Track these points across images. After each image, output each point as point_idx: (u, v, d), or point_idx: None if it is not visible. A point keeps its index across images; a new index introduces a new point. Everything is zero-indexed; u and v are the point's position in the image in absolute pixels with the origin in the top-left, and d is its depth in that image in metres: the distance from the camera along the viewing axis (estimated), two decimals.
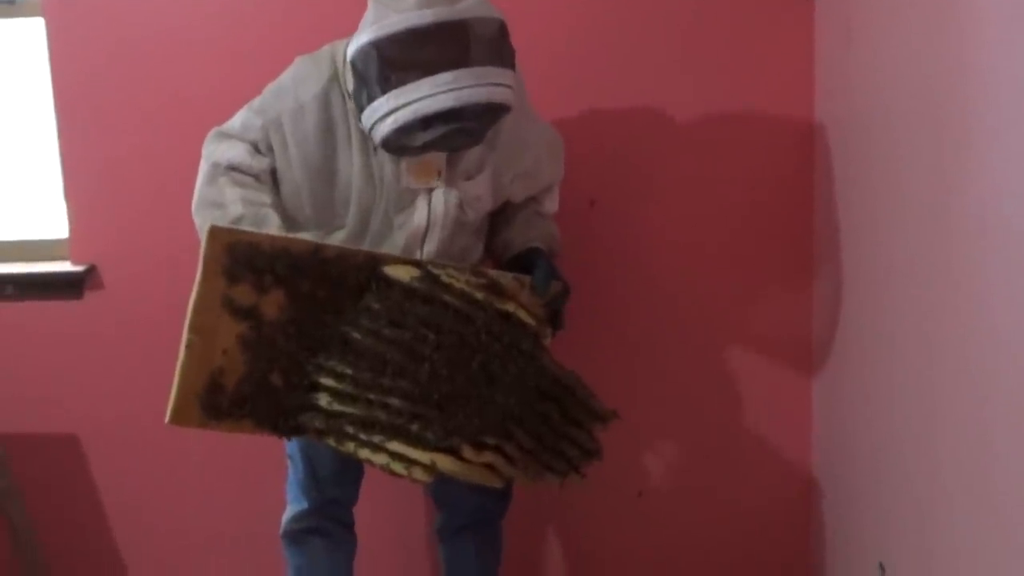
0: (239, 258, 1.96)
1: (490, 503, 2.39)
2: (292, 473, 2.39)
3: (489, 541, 2.54)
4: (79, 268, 2.76)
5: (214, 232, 1.97)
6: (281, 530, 2.44)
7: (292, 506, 2.41)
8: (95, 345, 2.78)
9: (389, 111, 1.93)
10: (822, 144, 2.52)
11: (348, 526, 2.47)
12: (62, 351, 2.82)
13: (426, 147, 2.02)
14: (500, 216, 2.34)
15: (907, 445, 1.91)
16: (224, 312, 1.96)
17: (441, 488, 2.39)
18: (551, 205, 2.38)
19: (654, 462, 2.80)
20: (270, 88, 2.17)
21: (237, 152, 2.13)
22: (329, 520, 2.42)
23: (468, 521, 2.49)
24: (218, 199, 2.11)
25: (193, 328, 1.95)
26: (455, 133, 2.00)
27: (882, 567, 2.05)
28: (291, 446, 2.34)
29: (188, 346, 1.94)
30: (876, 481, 2.14)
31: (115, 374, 2.78)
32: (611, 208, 2.67)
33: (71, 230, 2.77)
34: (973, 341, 1.55)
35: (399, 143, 2.00)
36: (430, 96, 1.91)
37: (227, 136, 2.16)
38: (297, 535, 2.42)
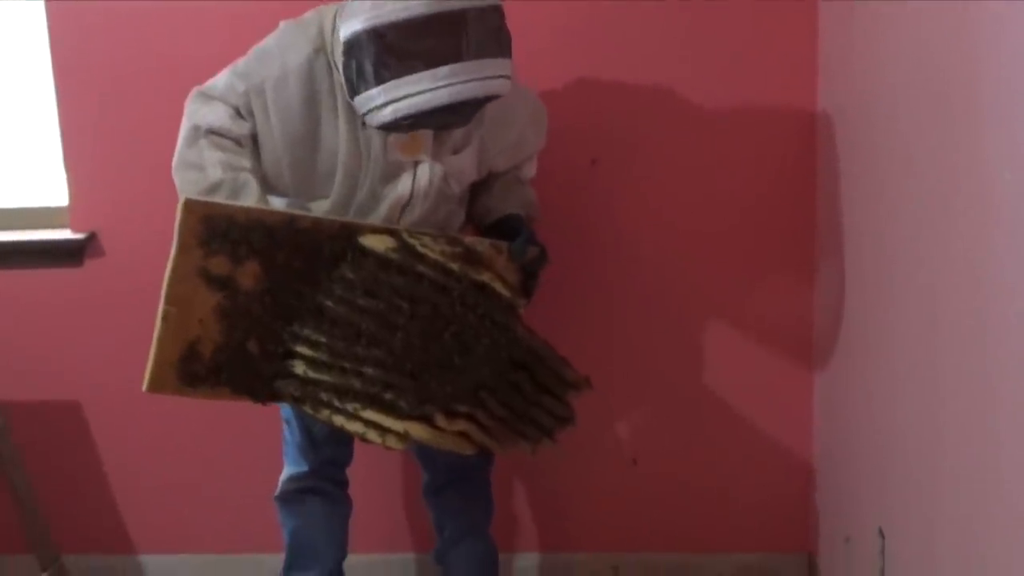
0: (215, 230, 1.97)
1: (471, 459, 2.39)
2: (288, 436, 2.41)
3: (475, 497, 2.58)
4: (79, 236, 2.76)
5: (189, 204, 1.98)
6: (276, 492, 2.46)
7: (290, 468, 2.43)
8: (95, 313, 2.79)
9: (385, 103, 1.92)
10: (825, 132, 2.51)
11: (343, 486, 2.50)
12: (62, 319, 2.83)
13: (418, 128, 2.03)
14: (480, 183, 2.34)
15: (908, 411, 1.92)
16: (200, 283, 1.98)
17: (422, 449, 2.41)
18: (529, 171, 2.40)
19: (649, 430, 2.81)
20: (254, 52, 2.15)
21: (218, 115, 2.11)
22: (325, 480, 2.45)
23: (451, 478, 2.53)
24: (198, 161, 2.09)
25: (169, 299, 1.97)
26: (449, 116, 1.99)
27: (881, 533, 2.06)
28: (285, 410, 2.35)
29: (164, 317, 1.97)
30: (876, 448, 2.15)
31: (115, 341, 2.78)
32: (612, 169, 2.67)
33: (71, 198, 2.77)
34: (978, 325, 1.55)
35: (390, 127, 1.99)
36: (428, 91, 1.90)
37: (209, 98, 2.14)
38: (293, 495, 2.44)
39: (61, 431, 2.92)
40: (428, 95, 1.90)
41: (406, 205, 2.16)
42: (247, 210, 2.01)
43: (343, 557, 2.54)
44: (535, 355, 2.17)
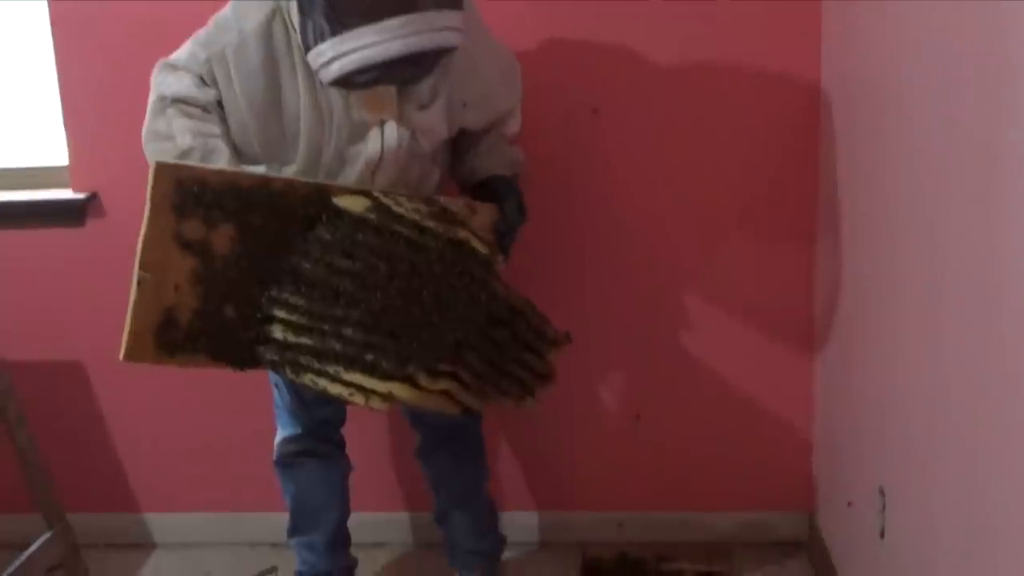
0: (187, 194, 1.94)
1: (460, 418, 2.40)
2: (279, 399, 2.42)
3: (467, 457, 2.59)
4: (80, 196, 2.75)
5: (161, 168, 1.95)
6: (274, 456, 2.47)
7: (283, 431, 2.45)
8: (97, 273, 2.78)
9: (334, 57, 1.89)
10: (827, 105, 2.50)
11: (339, 446, 2.51)
12: (64, 279, 2.83)
13: (374, 83, 1.99)
14: (464, 143, 2.32)
15: (908, 370, 1.92)
16: (174, 248, 1.95)
17: (411, 410, 2.43)
18: (514, 126, 2.36)
19: (652, 386, 2.82)
20: (214, 20, 2.13)
21: (184, 84, 2.09)
22: (321, 442, 2.46)
23: (442, 437, 2.54)
24: (166, 131, 2.08)
25: (143, 265, 1.95)
26: (403, 70, 1.96)
27: (882, 492, 2.07)
28: (275, 376, 2.35)
29: (139, 283, 1.94)
30: (877, 407, 2.16)
31: (117, 301, 2.75)
32: (614, 118, 2.66)
33: (71, 158, 2.76)
34: (980, 290, 1.55)
35: (346, 83, 1.97)
36: (377, 44, 1.86)
37: (174, 68, 2.12)
38: (290, 459, 2.46)
39: (64, 390, 2.93)
40: (375, 48, 1.87)
41: (377, 166, 2.13)
42: (219, 172, 1.99)
43: (346, 516, 2.57)
44: (515, 311, 2.15)
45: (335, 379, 1.98)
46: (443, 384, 2.04)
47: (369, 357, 1.97)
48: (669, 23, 2.59)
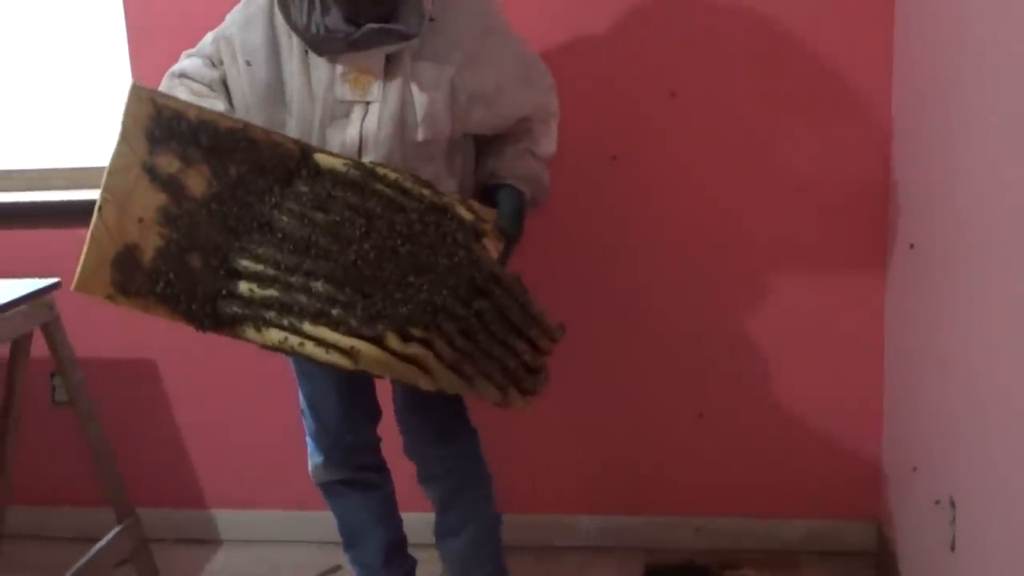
0: (161, 122, 1.90)
1: (453, 453, 2.37)
2: (306, 427, 2.41)
3: (463, 485, 2.42)
4: None
5: (137, 91, 1.90)
6: (313, 481, 2.46)
7: (311, 458, 2.42)
8: None
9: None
10: (901, 107, 2.46)
11: (377, 468, 2.46)
12: None
13: (353, 45, 1.99)
14: (489, 148, 2.24)
15: (982, 380, 1.89)
16: (143, 177, 1.89)
17: (408, 441, 2.38)
18: (546, 145, 2.25)
19: (715, 383, 2.79)
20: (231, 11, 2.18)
21: (192, 63, 2.14)
22: (355, 469, 2.42)
23: (433, 473, 2.42)
24: None
25: (107, 189, 1.88)
26: (378, 32, 1.97)
27: (952, 503, 2.03)
28: (302, 400, 2.37)
29: (99, 208, 1.87)
30: (948, 417, 2.12)
31: None
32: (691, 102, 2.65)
33: None
34: None
35: (322, 39, 1.99)
36: None
37: (187, 55, 2.17)
38: (330, 487, 2.44)
39: (136, 388, 2.98)
40: None
41: (359, 154, 2.06)
42: (200, 110, 1.95)
43: (397, 530, 2.52)
44: (499, 282, 1.99)
45: (294, 330, 1.89)
46: (414, 349, 1.90)
47: (335, 312, 1.88)
48: (742, 10, 2.58)
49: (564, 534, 2.90)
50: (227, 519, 3.06)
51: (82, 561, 2.52)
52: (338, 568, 2.83)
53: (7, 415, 2.57)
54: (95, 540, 2.62)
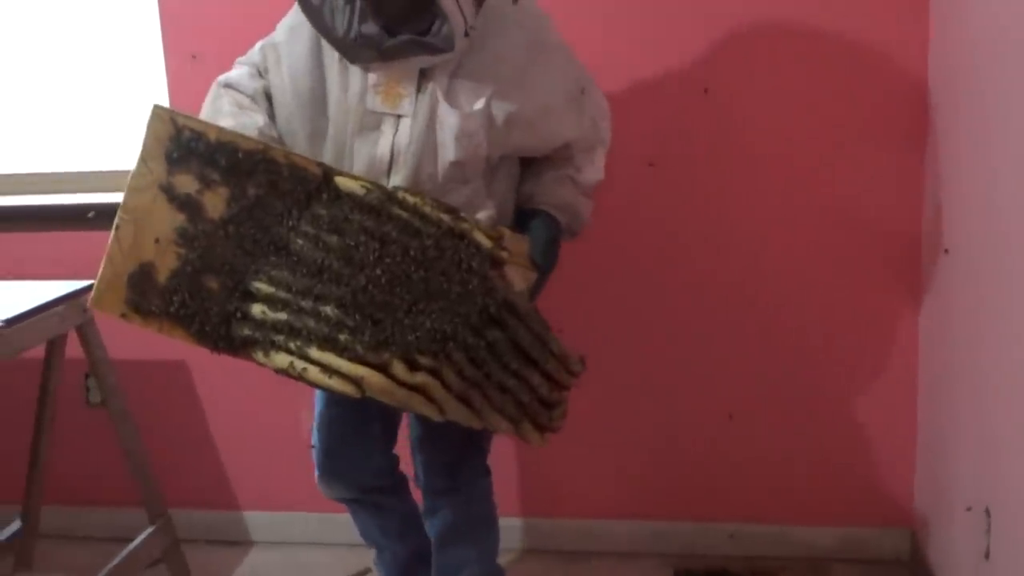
0: (182, 144, 1.90)
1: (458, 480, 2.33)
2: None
3: (466, 534, 2.37)
4: None
5: (157, 111, 1.91)
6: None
7: (315, 472, 2.37)
8: None
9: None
10: (935, 106, 2.43)
11: (389, 492, 2.41)
12: None
13: (384, 55, 1.97)
14: (529, 168, 2.18)
15: (1017, 387, 1.86)
16: (161, 198, 1.90)
17: (417, 469, 2.35)
18: (589, 173, 2.17)
19: (744, 385, 2.77)
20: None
21: (238, 72, 2.13)
22: (363, 492, 2.38)
23: (435, 507, 2.37)
24: (213, 114, 2.08)
25: (125, 208, 1.89)
26: (409, 43, 1.95)
27: (988, 512, 2.01)
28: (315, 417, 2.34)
29: (117, 227, 1.89)
30: (984, 425, 2.09)
31: None
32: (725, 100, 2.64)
33: None
34: None
35: (354, 46, 1.98)
36: None
37: (238, 63, 2.17)
38: (340, 501, 2.42)
39: (169, 389, 3.00)
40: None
41: (389, 170, 2.03)
42: (221, 130, 1.93)
43: (419, 545, 2.45)
44: (514, 311, 1.95)
45: (300, 355, 1.88)
46: (421, 378, 1.88)
47: (343, 337, 1.86)
48: (777, 9, 2.57)
49: (595, 539, 2.89)
50: (258, 520, 3.07)
51: (115, 561, 2.54)
52: (368, 571, 2.83)
53: (42, 415, 2.59)
54: (128, 540, 2.64)
